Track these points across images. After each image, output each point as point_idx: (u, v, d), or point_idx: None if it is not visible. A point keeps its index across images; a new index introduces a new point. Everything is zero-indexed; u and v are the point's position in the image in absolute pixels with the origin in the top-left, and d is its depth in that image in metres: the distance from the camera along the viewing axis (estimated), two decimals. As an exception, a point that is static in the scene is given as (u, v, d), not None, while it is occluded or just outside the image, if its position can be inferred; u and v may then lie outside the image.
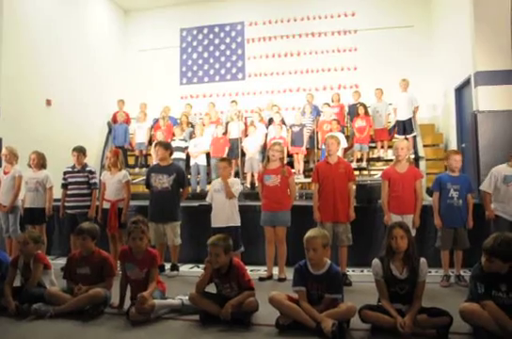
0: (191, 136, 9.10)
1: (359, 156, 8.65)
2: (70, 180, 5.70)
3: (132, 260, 3.85)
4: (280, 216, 5.03)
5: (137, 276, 3.83)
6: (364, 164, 8.58)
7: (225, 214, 5.10)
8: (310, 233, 3.46)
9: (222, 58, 11.61)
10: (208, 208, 5.31)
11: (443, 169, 8.61)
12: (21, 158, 5.96)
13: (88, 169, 5.74)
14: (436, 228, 4.93)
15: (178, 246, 5.41)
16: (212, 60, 11.68)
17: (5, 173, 5.87)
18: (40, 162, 5.81)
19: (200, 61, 11.74)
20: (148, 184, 5.52)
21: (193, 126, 9.49)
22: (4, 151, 5.95)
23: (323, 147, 8.36)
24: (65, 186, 5.72)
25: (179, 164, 7.18)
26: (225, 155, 8.19)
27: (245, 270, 3.71)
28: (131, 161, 9.68)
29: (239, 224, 5.15)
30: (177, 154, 8.25)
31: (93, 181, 5.71)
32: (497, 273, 3.12)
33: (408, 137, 8.20)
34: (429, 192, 6.39)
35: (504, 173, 4.79)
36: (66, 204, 5.67)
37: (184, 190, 5.61)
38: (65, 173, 5.76)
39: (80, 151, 5.75)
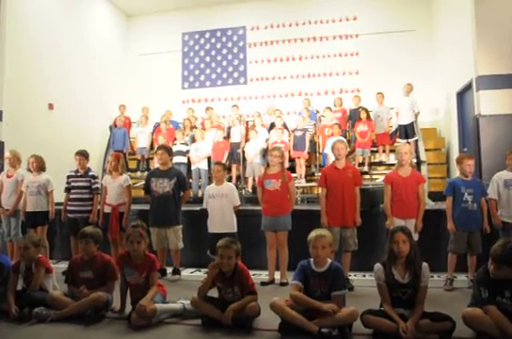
0: (193, 140, 9.11)
1: (360, 161, 8.65)
2: (73, 184, 5.70)
3: (131, 265, 3.84)
4: (282, 220, 5.03)
5: (137, 281, 3.82)
6: (366, 168, 8.57)
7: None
8: (317, 232, 3.53)
9: (224, 63, 11.64)
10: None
11: (445, 174, 8.64)
12: (23, 162, 5.97)
13: (90, 173, 5.75)
14: (441, 232, 4.91)
15: (180, 250, 5.41)
16: (214, 65, 11.71)
17: (8, 177, 5.89)
18: (39, 165, 5.80)
19: (202, 66, 11.77)
20: (147, 188, 5.51)
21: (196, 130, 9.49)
22: (8, 154, 5.97)
23: (324, 152, 8.38)
24: (68, 190, 5.73)
25: (179, 168, 7.19)
26: (225, 160, 8.20)
27: (249, 274, 3.71)
28: (132, 165, 9.69)
29: (235, 230, 5.15)
30: (178, 158, 8.27)
31: (95, 186, 5.71)
32: (502, 279, 3.12)
33: (409, 141, 8.20)
34: (433, 197, 6.37)
35: (503, 178, 4.89)
36: (67, 208, 5.68)
37: (186, 193, 5.60)
38: (68, 177, 5.76)
39: (82, 154, 5.76)
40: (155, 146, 8.67)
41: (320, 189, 5.16)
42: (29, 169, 5.82)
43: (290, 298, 3.43)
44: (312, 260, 3.53)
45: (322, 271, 3.46)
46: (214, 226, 5.15)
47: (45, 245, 5.71)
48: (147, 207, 5.63)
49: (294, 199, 5.29)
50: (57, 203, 5.91)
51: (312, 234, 3.51)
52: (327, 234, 3.52)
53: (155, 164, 8.24)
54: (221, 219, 5.11)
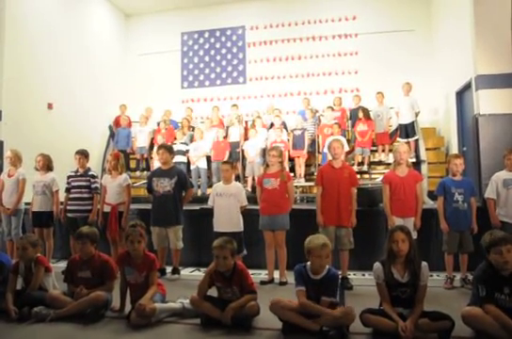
0: (192, 139, 9.12)
1: (360, 160, 8.66)
2: (73, 184, 5.69)
3: (131, 264, 3.85)
4: (280, 219, 5.01)
5: (137, 280, 3.82)
6: (365, 167, 8.58)
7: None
8: (318, 240, 3.41)
9: (223, 62, 11.64)
10: (209, 212, 5.31)
11: (445, 173, 8.63)
12: (23, 161, 5.96)
13: (90, 173, 5.73)
14: (439, 231, 4.92)
15: (179, 249, 5.41)
16: (213, 64, 11.71)
17: (9, 176, 5.88)
18: (46, 164, 5.79)
19: (202, 65, 11.77)
20: (150, 188, 5.52)
21: (194, 130, 9.49)
22: (8, 153, 5.96)
23: (324, 151, 8.38)
24: (68, 190, 5.71)
25: (180, 167, 7.19)
26: (226, 159, 8.19)
27: (248, 274, 3.71)
28: (132, 165, 9.69)
29: (242, 229, 5.12)
30: (178, 158, 8.27)
31: (95, 185, 5.69)
32: (501, 275, 3.14)
33: (410, 140, 8.22)
34: (433, 196, 6.37)
35: (502, 178, 4.88)
36: (67, 208, 5.67)
37: (188, 192, 5.57)
38: (68, 177, 5.75)
39: (82, 154, 5.74)
40: (155, 145, 8.67)
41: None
42: (36, 168, 5.81)
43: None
44: (308, 266, 3.46)
45: (318, 278, 3.42)
46: (219, 225, 5.10)
47: (50, 246, 5.74)
48: (146, 206, 5.64)
49: (292, 198, 5.28)
50: (61, 203, 5.89)
51: (315, 241, 3.39)
52: (328, 243, 3.43)
53: (155, 163, 8.26)
54: (228, 218, 5.07)
